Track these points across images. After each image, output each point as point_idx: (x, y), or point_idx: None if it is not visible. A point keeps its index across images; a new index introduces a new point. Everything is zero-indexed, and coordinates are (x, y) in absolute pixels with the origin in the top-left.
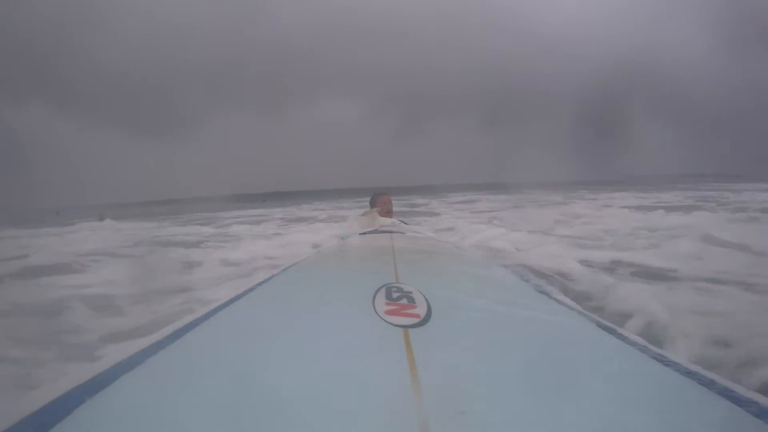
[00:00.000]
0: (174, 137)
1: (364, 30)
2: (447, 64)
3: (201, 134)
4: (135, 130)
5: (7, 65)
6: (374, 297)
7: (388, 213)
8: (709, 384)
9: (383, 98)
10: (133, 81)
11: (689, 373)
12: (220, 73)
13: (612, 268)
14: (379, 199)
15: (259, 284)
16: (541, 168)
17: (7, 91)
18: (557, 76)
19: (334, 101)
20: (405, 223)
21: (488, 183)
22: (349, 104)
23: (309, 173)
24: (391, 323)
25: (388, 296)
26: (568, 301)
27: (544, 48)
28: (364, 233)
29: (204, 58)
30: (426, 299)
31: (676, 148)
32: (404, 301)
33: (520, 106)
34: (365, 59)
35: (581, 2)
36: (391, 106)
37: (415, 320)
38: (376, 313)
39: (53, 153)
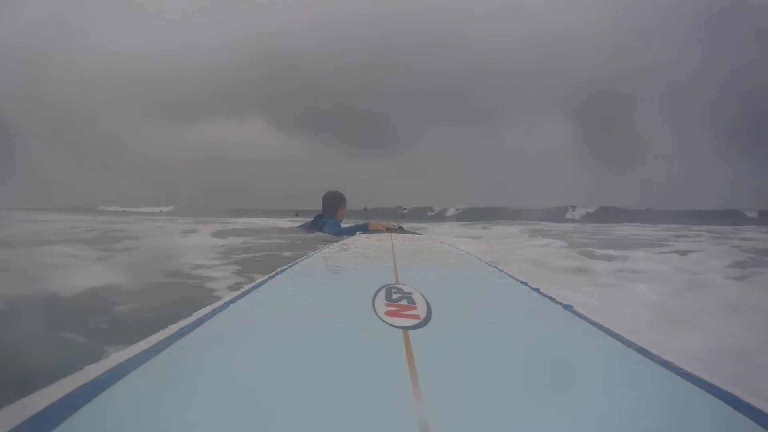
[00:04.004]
0: (386, 153)
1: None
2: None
3: (412, 150)
4: (350, 146)
5: (234, 87)
6: (374, 298)
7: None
8: (710, 389)
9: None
10: (351, 105)
11: (690, 377)
12: (437, 95)
13: None
14: (341, 202)
15: (259, 284)
16: None
17: (234, 108)
18: None
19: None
20: (403, 228)
21: None
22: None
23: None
24: (390, 324)
25: (388, 297)
26: (567, 302)
27: None
28: (364, 233)
29: (422, 86)
30: (426, 300)
31: None
32: (404, 302)
33: None
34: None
35: None
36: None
37: (415, 321)
38: (376, 314)
39: (272, 162)
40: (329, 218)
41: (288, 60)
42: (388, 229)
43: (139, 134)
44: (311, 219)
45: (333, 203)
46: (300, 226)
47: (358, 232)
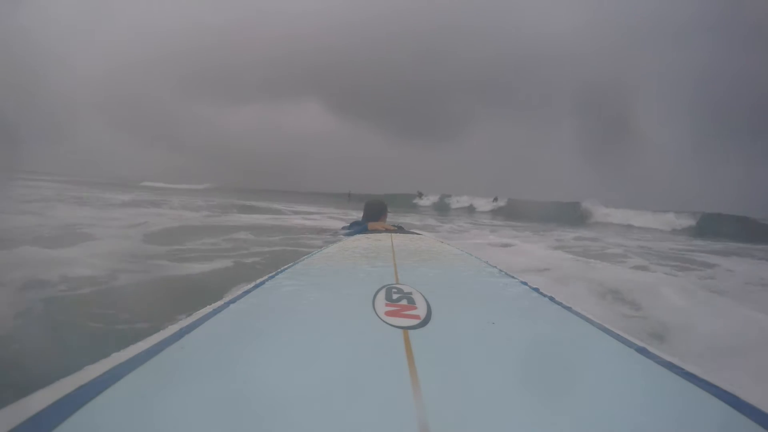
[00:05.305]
0: (433, 141)
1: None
2: None
3: (456, 139)
4: (396, 134)
5: (292, 74)
6: (374, 298)
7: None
8: (710, 389)
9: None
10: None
11: (690, 377)
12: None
13: None
14: (383, 212)
15: (259, 284)
16: None
17: (291, 92)
18: None
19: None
20: (403, 228)
21: None
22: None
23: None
24: (390, 324)
25: (388, 297)
26: (566, 302)
27: None
28: (364, 233)
29: (469, 78)
30: (426, 300)
31: None
32: (404, 302)
33: None
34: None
35: None
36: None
37: (415, 321)
38: (376, 314)
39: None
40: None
41: (340, 53)
42: (388, 230)
43: (193, 113)
44: (355, 220)
45: (373, 213)
46: (344, 228)
47: (357, 234)
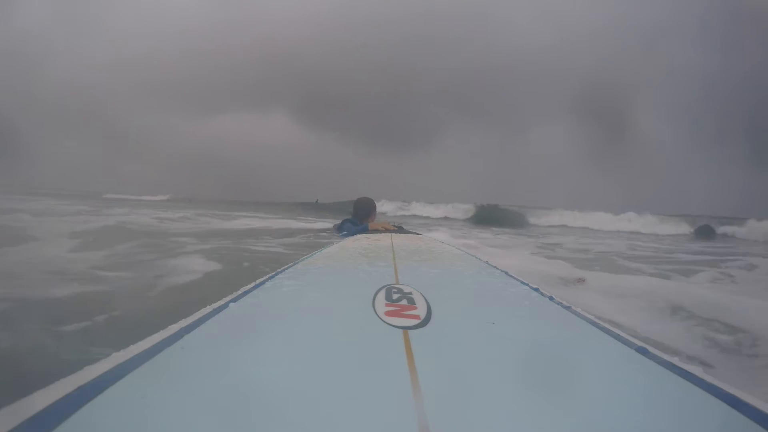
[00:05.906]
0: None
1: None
2: None
3: (423, 150)
4: (363, 144)
5: (254, 86)
6: (374, 298)
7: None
8: (710, 389)
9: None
10: (371, 103)
11: (690, 377)
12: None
13: None
14: (372, 210)
15: (259, 284)
16: None
17: (257, 102)
18: None
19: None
20: (403, 228)
21: None
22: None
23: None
24: (390, 324)
25: (388, 297)
26: (566, 302)
27: None
28: (365, 233)
29: (436, 90)
30: (426, 300)
31: None
32: (404, 302)
33: None
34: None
35: None
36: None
37: (415, 321)
38: (376, 314)
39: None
40: (352, 223)
41: (309, 63)
42: (388, 230)
43: (159, 123)
44: (342, 219)
45: (363, 211)
46: (335, 226)
47: (357, 234)
